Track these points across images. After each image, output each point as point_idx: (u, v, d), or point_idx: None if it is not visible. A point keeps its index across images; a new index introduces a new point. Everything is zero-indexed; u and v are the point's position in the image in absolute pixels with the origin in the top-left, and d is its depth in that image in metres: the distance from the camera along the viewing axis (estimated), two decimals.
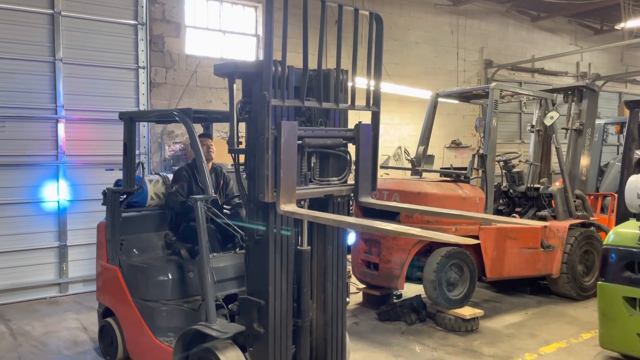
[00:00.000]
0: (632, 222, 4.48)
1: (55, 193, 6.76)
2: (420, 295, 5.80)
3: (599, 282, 4.49)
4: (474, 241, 2.68)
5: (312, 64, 3.37)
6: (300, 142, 3.38)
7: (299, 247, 3.60)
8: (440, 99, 7.00)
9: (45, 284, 6.73)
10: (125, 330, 4.44)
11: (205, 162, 3.90)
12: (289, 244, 3.48)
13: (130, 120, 4.58)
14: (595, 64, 14.51)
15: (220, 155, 6.11)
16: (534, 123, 7.53)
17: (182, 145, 7.88)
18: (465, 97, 7.16)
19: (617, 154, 9.66)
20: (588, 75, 14.15)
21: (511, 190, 7.11)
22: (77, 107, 6.87)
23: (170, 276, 4.26)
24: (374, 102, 3.74)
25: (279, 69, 3.24)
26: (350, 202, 4.86)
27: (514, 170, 7.01)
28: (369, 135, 3.68)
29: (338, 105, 3.56)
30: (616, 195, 7.32)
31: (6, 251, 6.47)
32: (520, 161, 7.05)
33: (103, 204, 4.71)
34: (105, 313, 4.72)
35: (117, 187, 4.76)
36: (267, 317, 3.40)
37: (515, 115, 12.64)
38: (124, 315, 4.43)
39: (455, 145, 11.30)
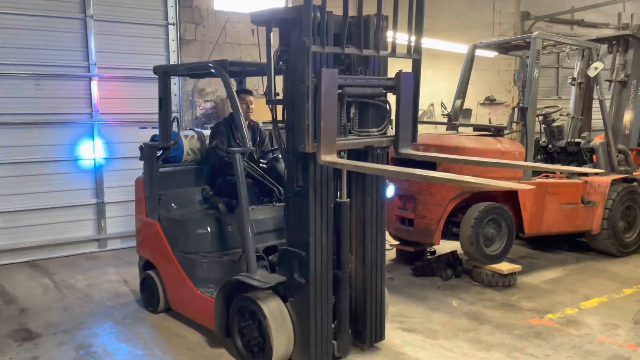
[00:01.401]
0: None
1: (91, 151, 6.84)
2: (455, 250, 5.75)
3: None
4: (527, 186, 2.60)
5: (351, 11, 3.25)
6: (339, 91, 3.30)
7: (338, 200, 3.58)
8: (476, 53, 6.75)
9: (85, 240, 6.90)
10: (166, 282, 4.53)
11: (242, 115, 3.86)
12: (329, 195, 3.44)
13: (164, 75, 4.54)
14: (638, 15, 13.78)
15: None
16: (575, 75, 7.26)
17: (213, 104, 7.84)
18: (505, 48, 6.89)
19: None
20: (630, 26, 13.46)
21: (550, 146, 6.91)
22: (109, 65, 6.86)
23: (209, 229, 4.30)
24: (415, 49, 3.61)
25: (318, 14, 3.13)
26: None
27: (554, 124, 6.79)
28: (410, 84, 3.57)
29: (379, 52, 3.45)
30: None
31: (47, 208, 6.61)
32: (561, 114, 6.80)
33: (140, 159, 4.73)
34: (146, 266, 4.81)
35: (154, 142, 4.76)
36: (307, 268, 3.41)
37: (552, 70, 12.18)
38: (165, 267, 4.51)
39: (490, 101, 11.00)
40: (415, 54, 3.60)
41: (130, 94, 7.06)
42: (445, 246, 5.96)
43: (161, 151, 4.71)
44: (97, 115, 6.84)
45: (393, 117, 3.64)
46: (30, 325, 4.52)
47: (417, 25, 3.56)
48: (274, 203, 4.24)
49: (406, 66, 3.67)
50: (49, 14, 6.43)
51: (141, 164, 7.02)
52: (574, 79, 7.26)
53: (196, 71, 4.75)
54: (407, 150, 3.62)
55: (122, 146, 7.01)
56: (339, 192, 3.61)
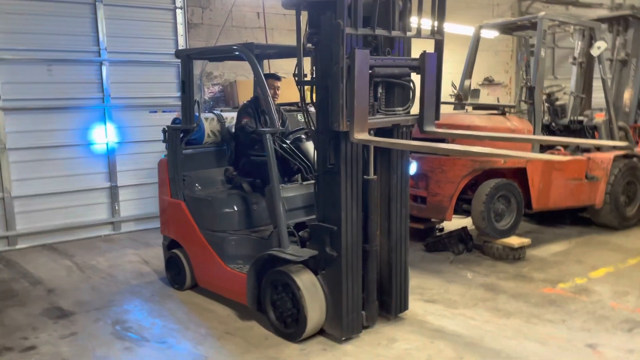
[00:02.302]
0: None
1: (103, 135, 6.91)
2: (466, 226, 5.96)
3: None
4: (564, 157, 2.78)
5: None
6: (370, 71, 3.43)
7: (365, 177, 3.73)
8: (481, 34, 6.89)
9: (99, 223, 7.00)
10: (193, 260, 4.67)
11: (270, 96, 3.98)
12: (359, 173, 3.60)
13: (187, 58, 4.62)
14: None
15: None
16: (576, 55, 7.42)
17: (220, 87, 7.93)
18: (510, 29, 7.03)
19: None
20: (623, 6, 13.64)
21: (553, 124, 7.09)
22: (119, 50, 6.90)
23: (236, 208, 4.44)
24: (438, 30, 3.75)
25: None
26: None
27: (557, 103, 6.97)
28: (433, 65, 3.72)
29: (405, 33, 3.59)
30: None
31: (62, 192, 6.69)
32: (565, 93, 6.99)
33: (164, 141, 4.83)
34: (171, 245, 4.95)
35: (176, 124, 4.86)
36: (339, 241, 3.57)
37: (548, 50, 12.32)
38: (192, 246, 4.65)
39: (488, 82, 11.16)
40: (438, 35, 3.75)
41: (140, 78, 7.12)
42: (451, 223, 6.15)
43: (182, 134, 4.81)
44: (108, 99, 6.90)
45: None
46: (62, 304, 4.66)
47: (440, 8, 3.70)
48: (302, 181, 4.38)
49: (423, 48, 3.82)
50: None
51: (153, 147, 7.15)
52: (574, 58, 7.42)
53: (221, 54, 4.84)
54: (432, 128, 3.78)
55: (134, 130, 7.11)
56: (365, 170, 3.76)
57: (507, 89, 11.64)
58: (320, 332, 3.84)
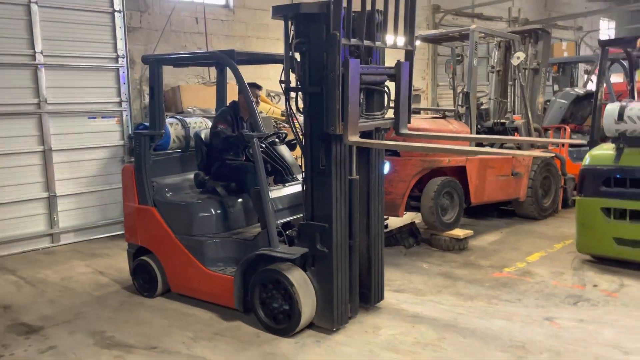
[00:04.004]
0: (606, 145, 5.26)
1: (39, 143, 6.56)
2: (414, 221, 6.42)
3: (578, 198, 5.29)
4: (540, 153, 3.19)
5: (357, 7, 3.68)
6: None
7: (349, 177, 3.99)
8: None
9: (36, 235, 6.62)
10: (167, 266, 4.65)
11: (254, 102, 4.12)
12: (346, 173, 3.86)
13: (156, 63, 4.61)
14: (524, 10, 15.55)
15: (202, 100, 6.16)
16: (493, 64, 8.21)
17: None
18: (440, 39, 7.64)
19: (553, 93, 10.68)
20: (518, 20, 15.17)
21: (479, 126, 7.80)
22: (55, 54, 6.59)
23: (213, 211, 4.50)
24: (409, 42, 4.12)
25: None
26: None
27: (482, 107, 7.69)
28: (407, 73, 4.08)
29: (386, 44, 3.91)
30: (567, 127, 8.37)
31: None
32: (490, 99, 7.72)
33: (131, 147, 4.76)
34: (138, 252, 4.88)
35: (141, 130, 4.81)
36: (330, 238, 3.80)
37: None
38: (166, 251, 4.62)
39: None
40: (409, 46, 4.11)
41: (78, 83, 6.84)
42: (395, 220, 6.60)
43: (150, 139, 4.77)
44: (44, 105, 6.56)
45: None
46: (25, 320, 4.44)
47: (411, 22, 4.07)
48: (285, 184, 4.54)
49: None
50: None
51: (93, 154, 6.96)
52: (492, 67, 8.21)
53: (197, 61, 4.86)
54: (405, 131, 4.13)
55: (72, 137, 6.81)
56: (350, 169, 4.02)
57: (424, 95, 12.47)
58: (308, 325, 4.02)
